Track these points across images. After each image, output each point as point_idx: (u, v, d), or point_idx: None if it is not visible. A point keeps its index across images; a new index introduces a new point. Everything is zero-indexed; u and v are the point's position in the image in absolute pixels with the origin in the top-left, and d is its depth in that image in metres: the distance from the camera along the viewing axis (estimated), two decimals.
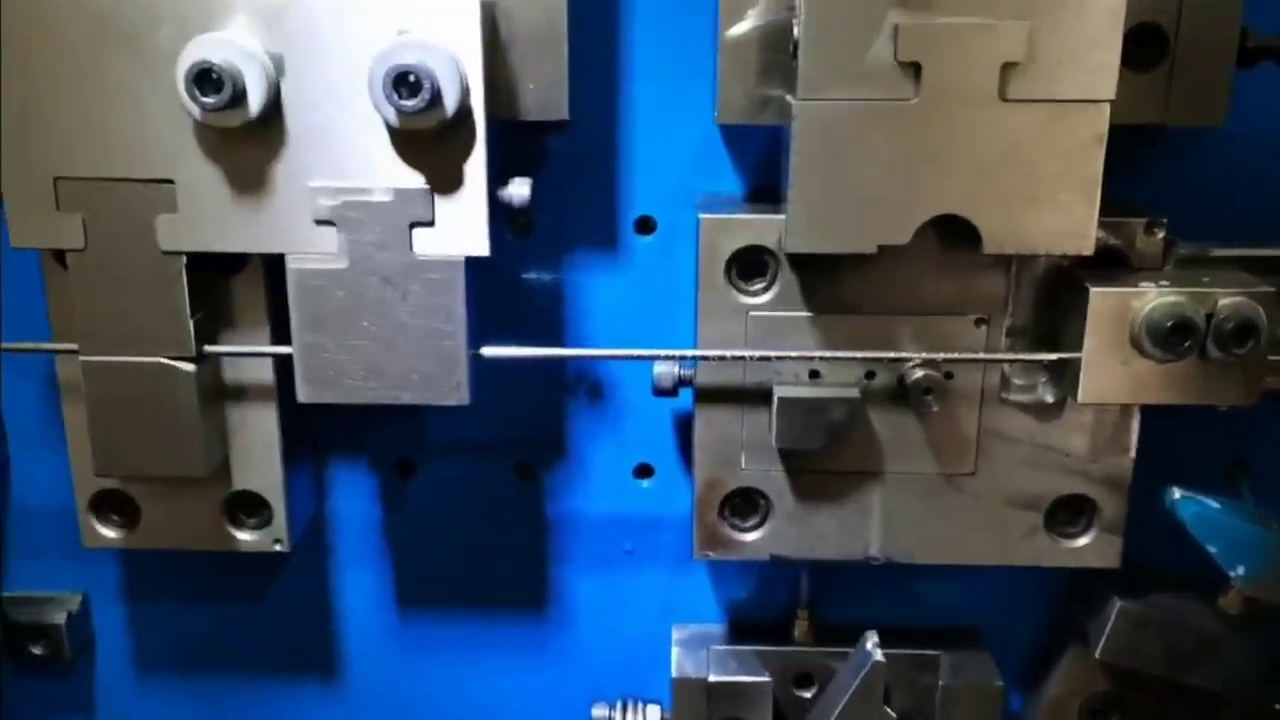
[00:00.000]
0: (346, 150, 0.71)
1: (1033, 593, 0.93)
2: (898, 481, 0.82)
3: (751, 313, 0.79)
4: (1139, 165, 0.81)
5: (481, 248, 0.73)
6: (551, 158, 0.85)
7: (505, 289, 0.87)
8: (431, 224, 0.73)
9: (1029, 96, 0.69)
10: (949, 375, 0.79)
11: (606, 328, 0.89)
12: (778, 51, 0.75)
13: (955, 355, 0.78)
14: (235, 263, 0.78)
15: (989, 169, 0.70)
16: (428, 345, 0.75)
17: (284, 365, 0.80)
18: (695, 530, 0.84)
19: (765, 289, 0.79)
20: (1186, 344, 0.72)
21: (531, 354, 0.79)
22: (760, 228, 0.78)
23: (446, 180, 0.72)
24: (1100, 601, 0.85)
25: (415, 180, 0.72)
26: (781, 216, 0.76)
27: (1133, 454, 0.81)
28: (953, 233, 0.72)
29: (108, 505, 0.85)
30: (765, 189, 0.85)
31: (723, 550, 0.84)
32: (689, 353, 0.79)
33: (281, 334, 0.79)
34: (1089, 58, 0.68)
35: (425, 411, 0.90)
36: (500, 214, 0.75)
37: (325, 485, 0.93)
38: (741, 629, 0.95)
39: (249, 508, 0.85)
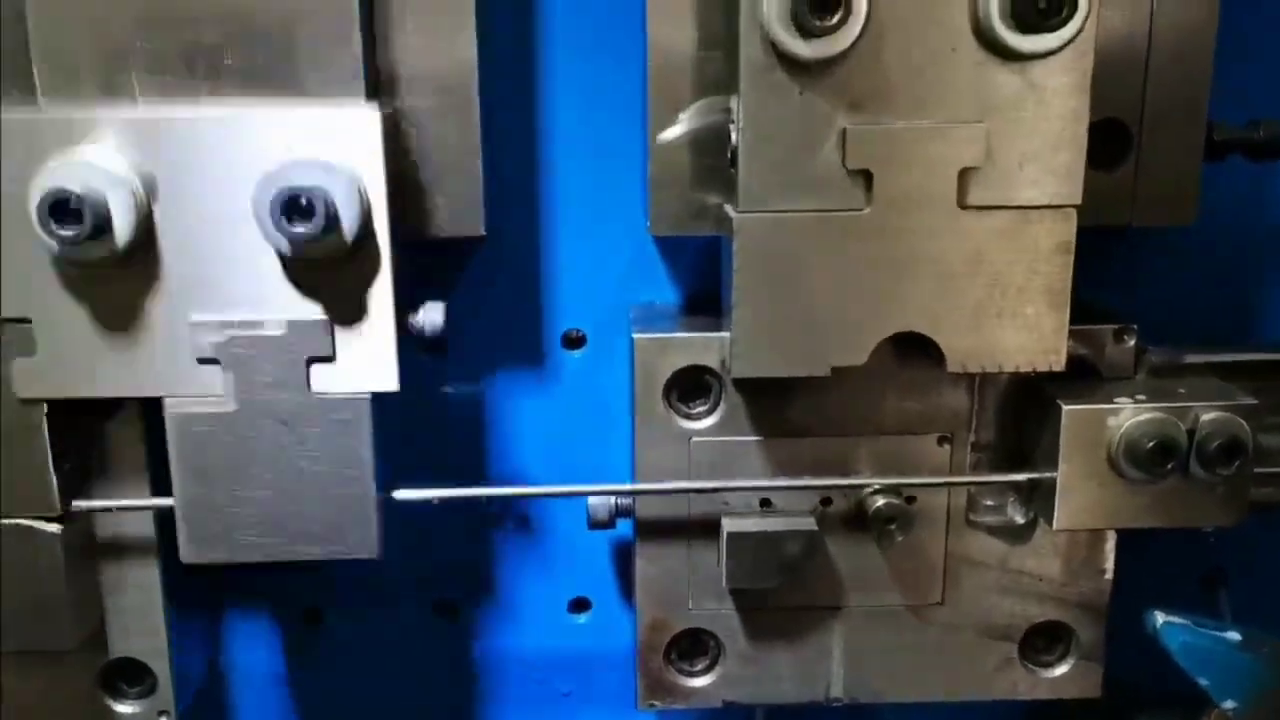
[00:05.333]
0: (232, 280, 0.63)
1: None
2: (860, 616, 0.75)
3: (694, 439, 0.72)
4: (1104, 267, 0.76)
5: (390, 383, 0.65)
6: (470, 272, 0.77)
7: (418, 412, 0.79)
8: (331, 359, 0.64)
9: (990, 203, 0.63)
10: (911, 499, 0.72)
11: (534, 452, 0.81)
12: (714, 156, 0.68)
13: (919, 480, 0.71)
14: (109, 405, 0.68)
15: (949, 282, 0.64)
16: (331, 494, 0.66)
17: (168, 517, 0.70)
18: (639, 678, 0.76)
19: (708, 412, 0.72)
20: (1169, 465, 0.66)
21: (450, 494, 0.71)
22: (701, 346, 0.71)
23: (348, 310, 0.63)
24: None
25: (312, 311, 0.63)
26: (724, 334, 0.69)
27: (1109, 576, 0.75)
28: (911, 348, 0.66)
29: None
30: (704, 297, 0.78)
31: (670, 699, 0.76)
32: (624, 487, 0.72)
33: (164, 482, 0.69)
34: (1053, 160, 0.62)
35: None
36: (411, 342, 0.67)
37: (222, 641, 0.83)
38: None
39: (130, 675, 0.74)
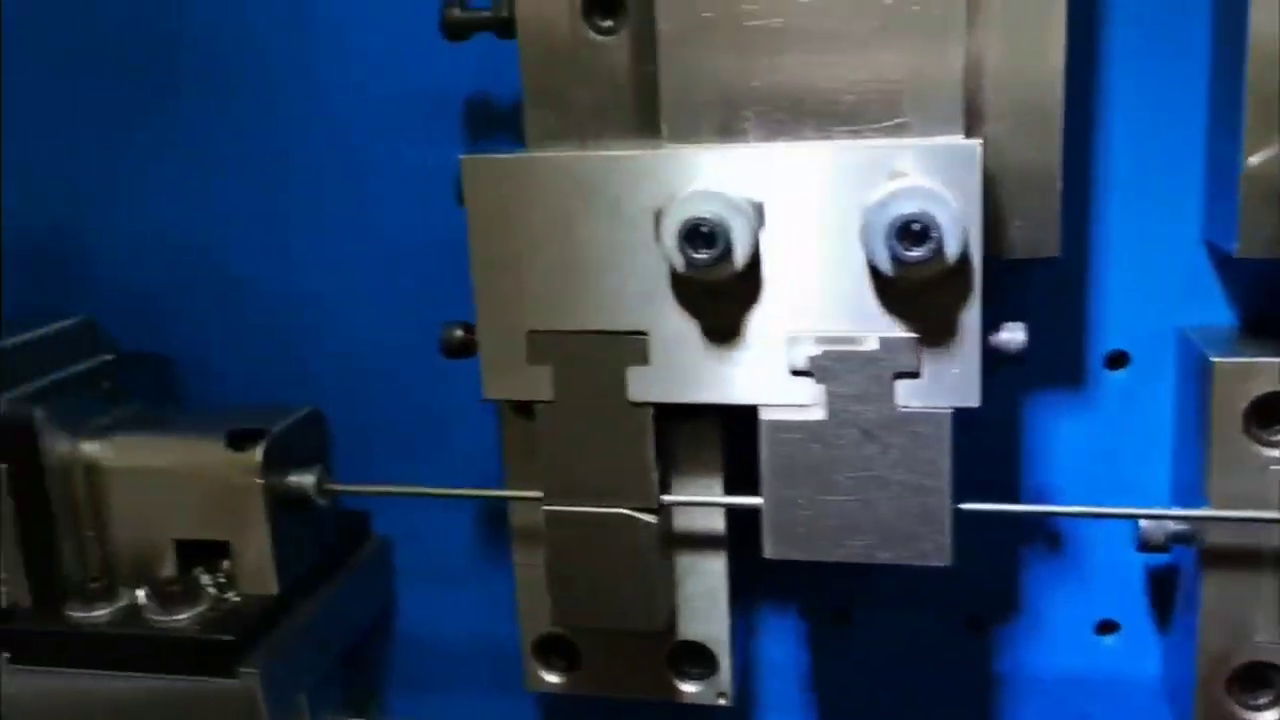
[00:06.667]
0: (826, 299, 0.68)
1: None
2: None
3: (1274, 467, 0.69)
4: None
5: (972, 399, 0.67)
6: (1024, 290, 0.78)
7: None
8: (917, 375, 0.68)
9: None
10: None
11: (1069, 470, 0.81)
12: None
13: None
14: (695, 410, 0.76)
15: None
16: (909, 502, 0.69)
17: (735, 515, 0.77)
18: (1196, 706, 0.74)
19: None
20: None
21: (1013, 510, 0.73)
22: None
23: (937, 329, 0.67)
24: None
25: (902, 330, 0.67)
26: None
27: None
28: None
29: (549, 648, 0.84)
30: (1259, 320, 0.75)
31: None
32: (1198, 513, 0.70)
33: (735, 483, 0.76)
34: None
35: None
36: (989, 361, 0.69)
37: (756, 632, 0.89)
38: None
39: (692, 658, 0.81)
